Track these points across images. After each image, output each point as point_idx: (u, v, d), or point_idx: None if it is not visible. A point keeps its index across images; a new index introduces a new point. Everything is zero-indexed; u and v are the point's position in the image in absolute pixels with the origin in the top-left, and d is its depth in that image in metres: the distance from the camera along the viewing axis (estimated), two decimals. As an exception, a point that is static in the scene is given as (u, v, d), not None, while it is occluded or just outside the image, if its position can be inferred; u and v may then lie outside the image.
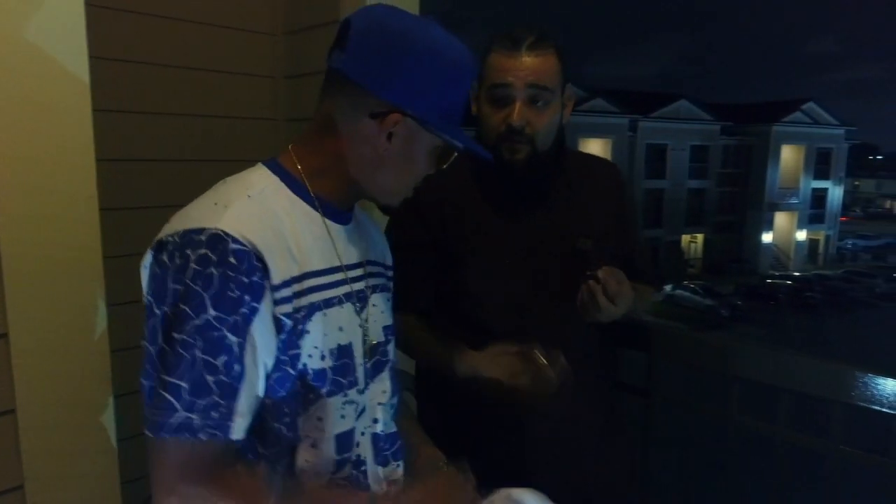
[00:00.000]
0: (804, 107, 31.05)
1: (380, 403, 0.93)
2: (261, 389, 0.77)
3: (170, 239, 0.75)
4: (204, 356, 0.71)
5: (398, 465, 0.97)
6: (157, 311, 0.73)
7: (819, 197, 33.06)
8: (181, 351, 0.70)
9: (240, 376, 0.73)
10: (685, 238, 30.67)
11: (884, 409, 1.22)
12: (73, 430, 1.23)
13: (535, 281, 1.25)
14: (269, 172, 0.85)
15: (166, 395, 0.70)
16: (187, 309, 0.71)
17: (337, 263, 0.86)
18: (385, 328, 0.96)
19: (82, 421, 1.24)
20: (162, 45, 1.72)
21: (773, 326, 21.57)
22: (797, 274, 29.49)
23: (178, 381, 0.70)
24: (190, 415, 0.70)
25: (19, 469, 1.15)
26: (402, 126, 0.83)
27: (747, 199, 31.54)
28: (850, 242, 39.46)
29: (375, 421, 0.92)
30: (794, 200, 32.06)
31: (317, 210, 0.86)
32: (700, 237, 31.13)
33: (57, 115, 1.17)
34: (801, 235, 32.67)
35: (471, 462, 1.28)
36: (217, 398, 0.72)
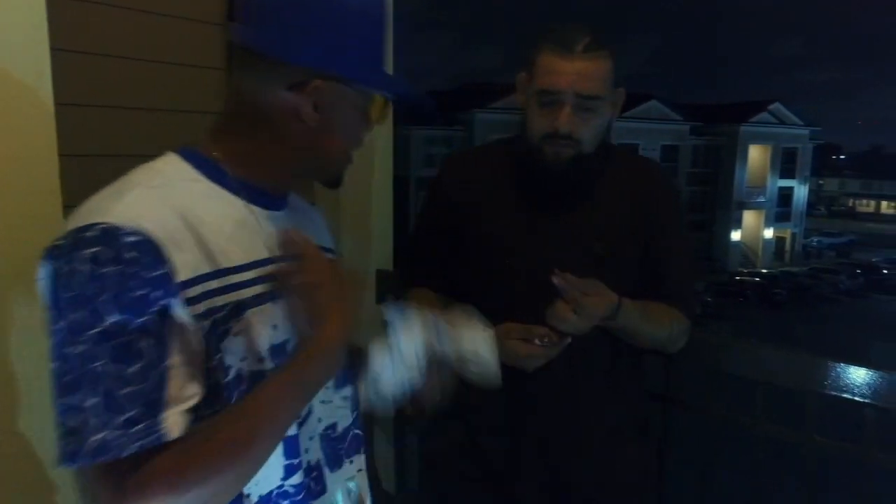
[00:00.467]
0: (771, 107, 31.73)
1: (323, 402, 0.85)
2: (199, 378, 0.68)
3: (59, 243, 0.65)
4: (113, 366, 0.61)
5: (351, 462, 0.90)
6: (58, 326, 0.62)
7: (785, 196, 33.82)
8: (83, 365, 0.60)
9: (161, 381, 0.63)
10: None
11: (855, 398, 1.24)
12: (30, 437, 1.19)
13: (547, 282, 1.20)
14: (179, 159, 0.76)
15: (76, 417, 0.60)
16: (85, 317, 0.61)
17: (266, 255, 0.77)
18: None
19: (42, 428, 1.20)
20: (128, 38, 1.68)
21: (742, 322, 22.00)
22: (765, 271, 30.13)
23: (85, 401, 0.60)
24: (106, 433, 0.60)
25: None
26: (326, 92, 0.76)
27: (717, 199, 32.11)
28: (815, 240, 40.47)
29: (320, 420, 0.84)
30: (761, 199, 32.75)
31: (240, 197, 0.77)
32: (671, 236, 31.53)
33: (16, 107, 1.13)
34: (769, 233, 33.39)
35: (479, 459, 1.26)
36: (137, 412, 0.61)
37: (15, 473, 1.17)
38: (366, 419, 0.98)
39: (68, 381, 0.61)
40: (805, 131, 33.60)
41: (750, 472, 1.50)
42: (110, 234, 0.63)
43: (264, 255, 0.77)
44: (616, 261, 1.19)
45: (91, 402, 0.60)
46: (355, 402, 0.92)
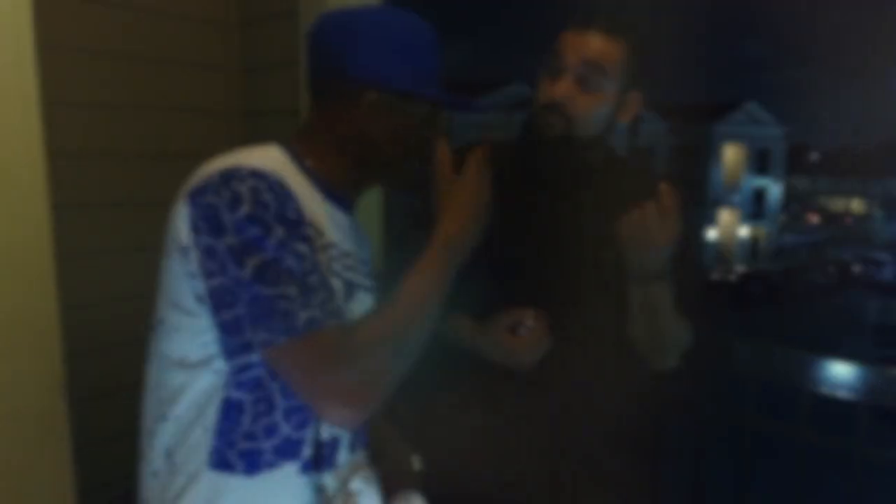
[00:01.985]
0: (744, 107, 32.23)
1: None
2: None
3: (209, 181, 0.77)
4: (296, 264, 0.76)
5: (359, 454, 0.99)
6: (223, 245, 0.74)
7: (759, 194, 34.40)
8: (273, 264, 0.74)
9: (324, 276, 0.80)
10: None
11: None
12: (24, 440, 1.15)
13: (547, 280, 1.17)
14: (279, 150, 0.88)
15: (279, 303, 0.74)
16: (258, 230, 0.75)
17: (334, 241, 0.89)
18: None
19: (34, 430, 1.17)
20: (115, 35, 1.64)
21: (715, 321, 22.28)
22: (740, 269, 30.62)
23: (284, 290, 0.74)
24: (311, 311, 0.75)
25: (-34, 485, 1.08)
26: (378, 101, 0.87)
27: (692, 197, 32.51)
28: (788, 238, 41.20)
29: None
30: (736, 198, 33.26)
31: (318, 192, 0.89)
32: (648, 234, 31.81)
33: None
34: (744, 231, 33.93)
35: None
36: (323, 295, 0.77)
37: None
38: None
39: (266, 276, 0.74)
40: (778, 130, 34.20)
41: (737, 468, 1.51)
42: (260, 174, 0.78)
43: (333, 240, 0.88)
44: (619, 268, 1.15)
45: (292, 289, 0.75)
46: None
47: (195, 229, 0.77)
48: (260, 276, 0.74)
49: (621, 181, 1.23)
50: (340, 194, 0.93)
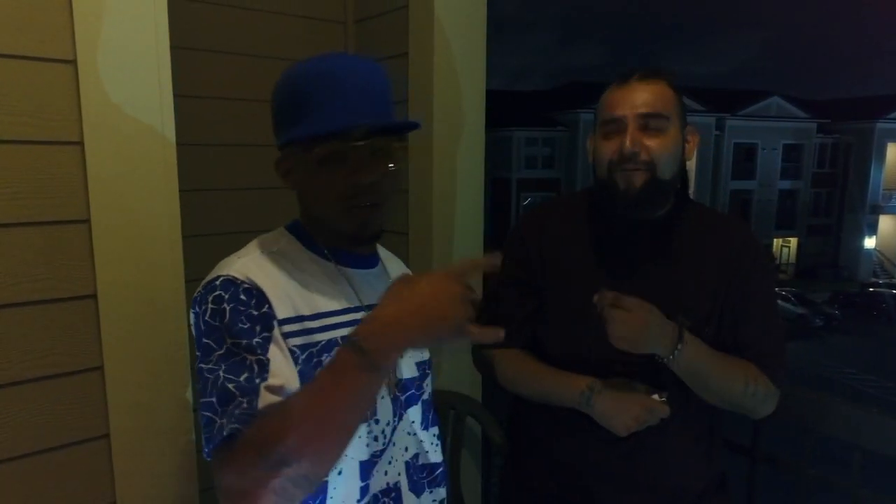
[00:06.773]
0: (913, 101, 28.64)
1: (410, 434, 0.98)
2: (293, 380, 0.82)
3: (198, 293, 0.86)
4: (226, 375, 0.77)
5: (431, 492, 1.03)
6: (197, 353, 0.83)
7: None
8: (208, 376, 0.78)
9: (258, 385, 0.77)
10: (776, 242, 29.02)
11: None
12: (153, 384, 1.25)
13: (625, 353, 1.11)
14: (286, 233, 0.96)
15: (205, 414, 0.76)
16: (210, 342, 0.80)
17: (356, 304, 0.92)
18: (419, 363, 1.00)
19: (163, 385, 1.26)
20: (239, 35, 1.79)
21: (873, 338, 19.98)
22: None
23: (209, 399, 0.77)
24: (220, 420, 0.74)
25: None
26: (284, 159, 0.92)
27: (845, 201, 29.47)
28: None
29: (406, 450, 0.98)
30: (900, 203, 29.63)
31: (329, 260, 0.93)
32: (793, 241, 29.34)
33: (141, 148, 1.21)
34: (909, 241, 30.14)
35: None
36: (239, 398, 0.75)
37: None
38: (454, 447, 0.98)
39: (204, 387, 0.78)
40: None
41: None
42: (228, 283, 0.84)
43: (355, 303, 0.92)
44: (698, 331, 1.13)
45: (213, 398, 0.76)
46: (443, 443, 1.04)
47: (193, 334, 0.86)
48: (201, 385, 0.79)
49: (703, 234, 1.22)
50: (352, 253, 0.95)
